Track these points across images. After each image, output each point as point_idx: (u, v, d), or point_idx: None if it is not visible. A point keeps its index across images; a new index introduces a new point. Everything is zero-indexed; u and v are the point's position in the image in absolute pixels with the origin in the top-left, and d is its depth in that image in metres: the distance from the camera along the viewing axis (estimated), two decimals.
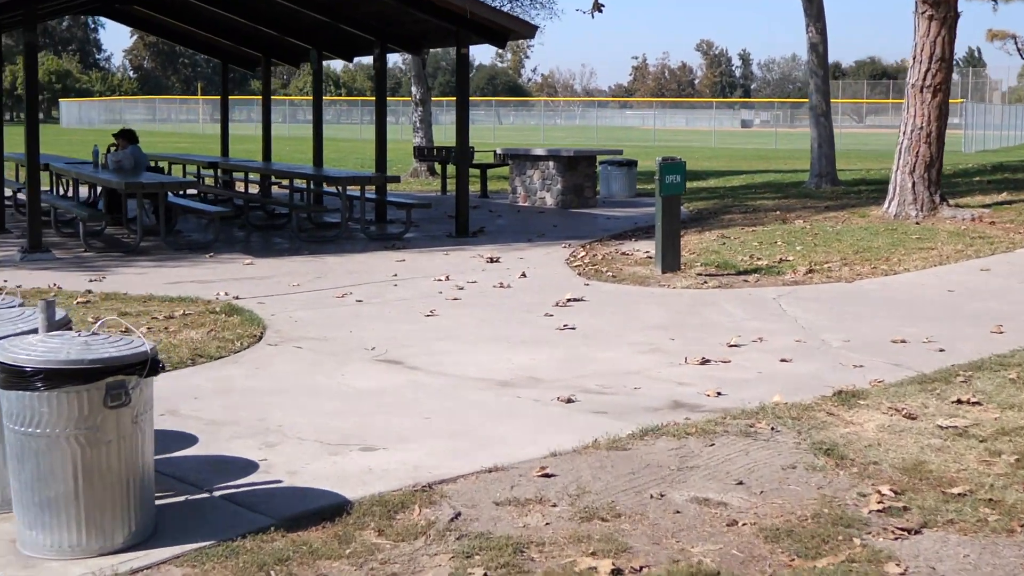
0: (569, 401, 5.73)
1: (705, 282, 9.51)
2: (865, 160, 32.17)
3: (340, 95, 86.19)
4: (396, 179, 14.72)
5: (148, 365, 3.69)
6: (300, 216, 13.91)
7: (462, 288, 9.29)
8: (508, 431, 5.19)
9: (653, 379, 6.24)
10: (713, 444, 4.94)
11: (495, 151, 19.53)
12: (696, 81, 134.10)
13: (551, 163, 17.06)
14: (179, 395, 5.74)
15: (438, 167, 22.20)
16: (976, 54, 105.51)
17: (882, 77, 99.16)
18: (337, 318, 7.99)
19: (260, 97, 19.90)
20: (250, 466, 4.62)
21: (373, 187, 14.58)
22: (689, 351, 6.87)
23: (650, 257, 10.82)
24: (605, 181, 18.90)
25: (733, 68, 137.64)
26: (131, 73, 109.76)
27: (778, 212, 15.04)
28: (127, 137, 13.76)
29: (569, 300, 8.66)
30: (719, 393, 5.89)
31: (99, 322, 3.97)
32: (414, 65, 25.31)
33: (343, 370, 6.41)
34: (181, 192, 14.95)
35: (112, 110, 75.44)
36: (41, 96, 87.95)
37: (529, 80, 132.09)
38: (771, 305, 8.52)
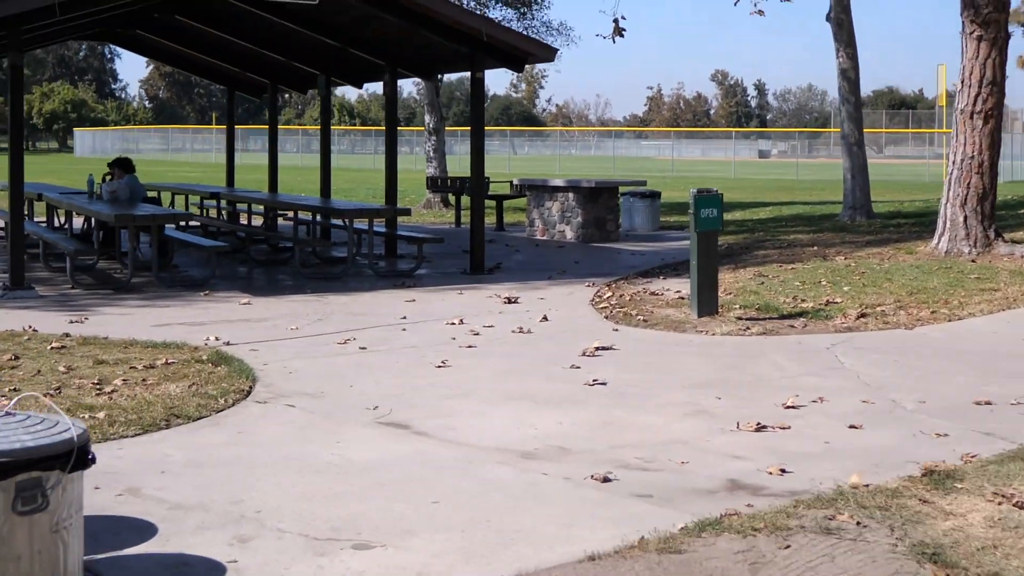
0: (605, 480, 4.81)
1: (747, 328, 8.58)
2: (893, 191, 31.25)
3: (355, 125, 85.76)
4: (407, 211, 13.86)
5: (74, 456, 2.81)
6: (304, 251, 13.07)
7: (477, 334, 8.38)
8: (534, 522, 4.27)
9: (702, 451, 5.31)
10: (788, 545, 4.01)
11: (511, 182, 18.70)
12: (712, 111, 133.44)
13: (571, 195, 16.18)
14: (145, 468, 4.86)
15: (452, 198, 21.41)
16: None
17: (900, 107, 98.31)
18: (337, 368, 7.10)
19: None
20: (215, 571, 3.72)
21: (383, 220, 13.72)
22: (740, 414, 5.95)
23: (683, 298, 9.91)
24: (627, 213, 18.01)
25: (748, 98, 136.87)
26: (147, 103, 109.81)
27: (815, 247, 14.11)
28: (123, 166, 12.94)
29: (597, 349, 7.73)
30: (783, 470, 4.96)
31: (14, 400, 3.09)
32: (427, 93, 24.57)
33: (339, 435, 5.51)
34: (183, 225, 14.20)
35: (127, 139, 75.04)
36: (56, 125, 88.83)
37: (544, 110, 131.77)
38: (826, 356, 7.58)
